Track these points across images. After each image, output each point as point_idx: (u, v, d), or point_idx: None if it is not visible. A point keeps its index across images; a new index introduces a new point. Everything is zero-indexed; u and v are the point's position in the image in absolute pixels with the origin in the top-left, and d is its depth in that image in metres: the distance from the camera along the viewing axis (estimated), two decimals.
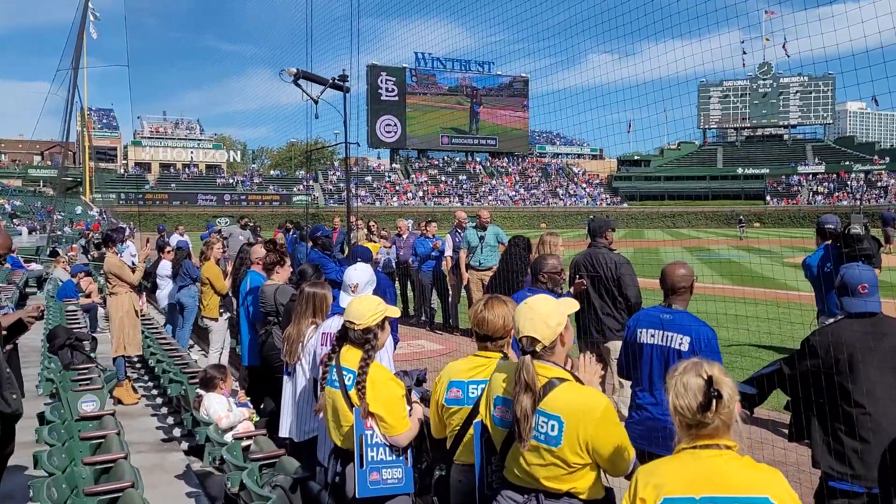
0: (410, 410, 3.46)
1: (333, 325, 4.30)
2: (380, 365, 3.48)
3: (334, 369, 3.51)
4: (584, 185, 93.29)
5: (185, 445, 6.57)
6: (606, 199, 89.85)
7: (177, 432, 6.91)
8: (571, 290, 6.33)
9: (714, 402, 2.03)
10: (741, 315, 8.21)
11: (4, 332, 3.51)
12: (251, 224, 18.06)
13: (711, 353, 3.84)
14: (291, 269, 6.88)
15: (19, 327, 3.76)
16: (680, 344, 3.89)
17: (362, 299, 3.59)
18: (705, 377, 2.07)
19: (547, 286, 5.16)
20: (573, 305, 2.76)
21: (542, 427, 2.55)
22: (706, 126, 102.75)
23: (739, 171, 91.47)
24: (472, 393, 3.07)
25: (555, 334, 2.64)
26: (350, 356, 3.48)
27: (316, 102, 5.66)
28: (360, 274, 4.44)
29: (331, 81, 5.50)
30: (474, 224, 11.07)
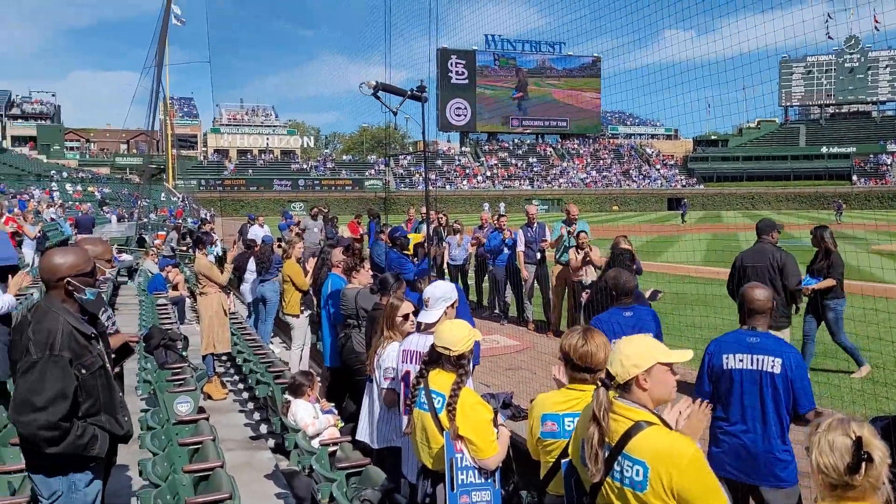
0: (498, 433, 3.51)
1: (413, 341, 4.35)
2: (469, 389, 3.53)
3: (423, 392, 3.58)
4: (659, 167, 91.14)
5: (271, 443, 6.84)
6: (682, 180, 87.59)
7: (263, 429, 7.19)
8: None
9: (863, 464, 1.96)
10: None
11: (114, 356, 3.70)
12: (328, 214, 18.42)
13: (802, 374, 3.86)
14: (371, 272, 7.03)
15: (126, 350, 3.96)
16: (772, 367, 3.83)
17: (454, 325, 3.63)
18: (853, 437, 2.00)
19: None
20: (682, 356, 2.69)
21: (627, 471, 2.51)
22: (788, 103, 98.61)
23: (824, 149, 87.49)
24: (569, 426, 3.04)
25: (627, 374, 2.56)
26: (439, 379, 3.54)
27: (395, 113, 5.75)
28: (433, 290, 4.45)
29: (409, 93, 5.56)
30: (564, 219, 11.02)
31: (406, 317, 4.66)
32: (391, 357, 4.57)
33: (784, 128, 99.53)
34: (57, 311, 3.27)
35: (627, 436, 2.51)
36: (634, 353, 2.58)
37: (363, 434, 4.93)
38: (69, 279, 3.35)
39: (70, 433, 3.17)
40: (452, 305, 4.38)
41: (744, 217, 51.21)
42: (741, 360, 3.92)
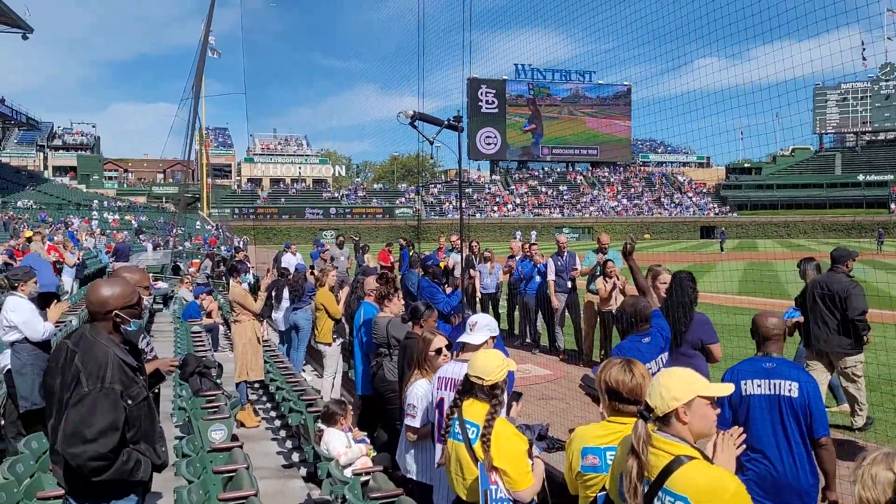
0: (533, 465, 3.47)
1: (449, 368, 4.36)
2: (504, 419, 3.50)
3: (457, 422, 3.56)
4: (691, 195, 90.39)
5: (303, 472, 6.83)
6: (714, 208, 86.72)
7: (295, 457, 7.19)
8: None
9: None
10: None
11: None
12: (359, 242, 18.53)
13: (818, 399, 3.89)
14: (403, 301, 7.05)
15: (158, 377, 3.99)
16: (789, 390, 3.87)
17: (488, 354, 3.63)
18: None
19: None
20: (722, 390, 2.65)
21: None
22: (822, 131, 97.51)
23: (860, 177, 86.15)
24: (611, 460, 2.98)
25: (667, 407, 2.51)
26: (473, 410, 3.52)
27: (431, 143, 5.81)
28: (479, 317, 4.58)
29: (446, 123, 5.61)
30: (595, 248, 10.95)
31: (439, 351, 4.65)
32: (415, 395, 4.58)
33: (819, 155, 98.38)
34: (105, 343, 3.30)
35: (668, 470, 2.46)
36: (674, 386, 2.54)
37: (400, 461, 4.92)
38: (117, 312, 3.39)
39: (117, 461, 3.21)
40: (493, 338, 4.41)
41: (781, 246, 50.43)
42: (759, 386, 3.94)
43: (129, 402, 3.25)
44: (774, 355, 4.04)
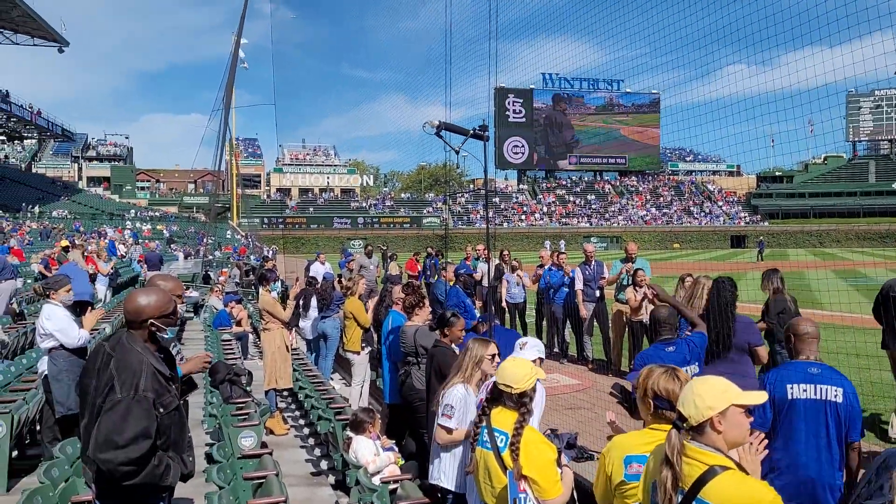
0: (562, 474, 3.45)
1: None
2: (532, 428, 3.49)
3: (485, 430, 3.56)
4: (721, 203, 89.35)
5: (332, 479, 6.86)
6: (745, 217, 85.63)
7: (324, 465, 7.23)
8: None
9: None
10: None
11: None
12: (386, 251, 18.66)
13: (858, 405, 4.00)
14: (431, 310, 7.07)
15: (190, 384, 4.02)
16: (835, 396, 3.94)
17: (516, 362, 3.63)
18: None
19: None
20: (757, 398, 2.60)
21: None
22: (856, 139, 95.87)
23: (895, 185, 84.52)
24: None
25: (701, 416, 2.47)
26: (502, 418, 3.52)
27: (457, 153, 5.83)
28: (529, 338, 4.82)
29: (472, 132, 5.63)
30: (623, 257, 10.90)
31: (493, 357, 4.62)
32: (454, 396, 4.55)
33: (852, 163, 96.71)
34: (140, 352, 3.35)
35: (702, 481, 2.42)
36: (709, 395, 2.50)
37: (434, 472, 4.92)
38: (153, 321, 3.44)
39: (148, 466, 3.26)
40: (541, 360, 4.51)
41: (813, 255, 49.56)
42: (805, 390, 3.99)
43: (161, 410, 3.30)
44: (813, 359, 4.10)
